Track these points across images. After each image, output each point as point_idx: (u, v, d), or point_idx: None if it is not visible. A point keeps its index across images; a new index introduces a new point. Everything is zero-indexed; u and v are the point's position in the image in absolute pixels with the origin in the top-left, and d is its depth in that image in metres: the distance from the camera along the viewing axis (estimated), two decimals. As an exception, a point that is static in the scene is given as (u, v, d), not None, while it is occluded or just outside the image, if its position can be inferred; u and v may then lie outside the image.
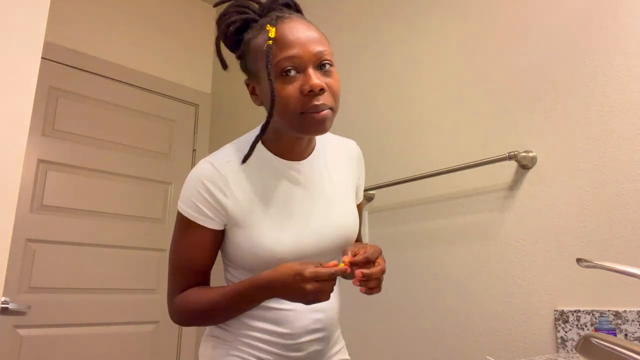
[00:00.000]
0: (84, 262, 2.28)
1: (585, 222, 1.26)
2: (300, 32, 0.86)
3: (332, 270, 0.80)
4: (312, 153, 1.00)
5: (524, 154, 1.39)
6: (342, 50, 2.11)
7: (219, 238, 0.95)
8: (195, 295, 0.93)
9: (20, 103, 1.34)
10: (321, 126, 0.86)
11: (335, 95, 0.88)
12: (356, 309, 1.81)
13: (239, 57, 0.96)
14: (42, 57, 1.43)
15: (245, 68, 0.96)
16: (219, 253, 1.02)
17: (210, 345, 1.00)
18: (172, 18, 2.88)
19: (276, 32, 0.86)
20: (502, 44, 1.53)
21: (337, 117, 0.91)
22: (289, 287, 0.82)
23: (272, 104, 0.84)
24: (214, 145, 2.87)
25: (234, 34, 0.93)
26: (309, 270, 0.80)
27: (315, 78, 0.84)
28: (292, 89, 0.85)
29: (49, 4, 1.44)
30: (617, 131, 1.24)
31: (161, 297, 2.54)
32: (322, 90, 0.85)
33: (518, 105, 1.45)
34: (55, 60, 2.34)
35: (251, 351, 0.96)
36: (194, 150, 2.84)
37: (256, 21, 0.93)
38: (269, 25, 0.86)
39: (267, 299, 0.89)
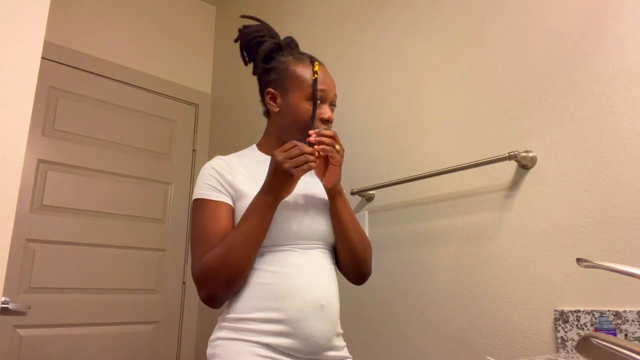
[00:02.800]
0: (84, 262, 2.28)
1: (585, 222, 1.26)
2: (328, 77, 1.17)
3: (295, 141, 1.00)
4: None
5: (524, 154, 1.39)
6: (342, 49, 2.11)
7: (230, 212, 1.09)
8: (214, 248, 1.02)
9: (20, 103, 1.34)
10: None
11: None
12: (356, 308, 1.81)
13: (267, 69, 1.19)
14: (42, 57, 1.43)
15: (271, 79, 1.18)
16: None
17: (217, 344, 1.03)
18: (173, 18, 2.88)
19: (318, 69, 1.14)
20: (502, 44, 1.53)
21: (339, 118, 0.98)
22: (270, 172, 1.00)
23: (313, 117, 1.10)
24: (214, 145, 2.87)
25: (270, 51, 1.19)
26: (278, 149, 1.01)
27: (330, 112, 1.14)
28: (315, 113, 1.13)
29: (49, 4, 1.44)
30: (617, 131, 1.24)
31: (161, 297, 2.54)
32: (331, 122, 1.15)
33: (518, 105, 1.45)
34: (55, 60, 2.34)
35: (257, 339, 1.00)
36: (194, 150, 2.84)
37: (282, 48, 1.21)
38: (317, 63, 1.14)
39: (270, 200, 1.01)
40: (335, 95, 1.17)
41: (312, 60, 1.16)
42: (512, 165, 1.44)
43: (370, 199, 1.85)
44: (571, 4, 1.37)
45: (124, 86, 2.59)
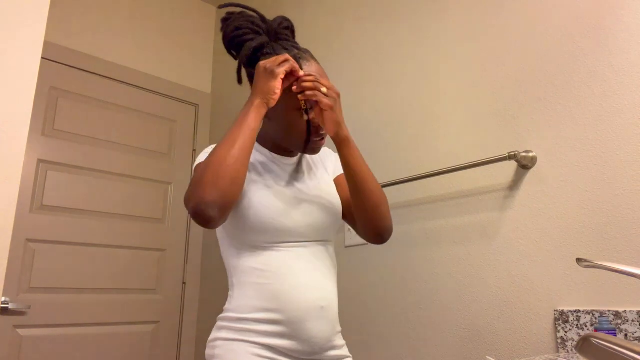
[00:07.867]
0: (84, 262, 2.28)
1: (585, 222, 1.26)
2: (316, 72, 1.06)
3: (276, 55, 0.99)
4: (298, 154, 1.20)
5: (524, 154, 1.39)
6: (343, 51, 2.11)
7: None
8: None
9: (20, 103, 1.34)
10: (318, 150, 1.11)
11: None
12: (355, 308, 1.81)
13: (251, 75, 1.10)
14: (42, 57, 1.43)
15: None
16: (221, 255, 1.09)
17: (216, 345, 1.02)
18: (173, 18, 2.88)
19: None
20: (502, 44, 1.53)
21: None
22: (255, 79, 0.99)
23: (308, 132, 1.05)
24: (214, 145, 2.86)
25: (252, 53, 1.07)
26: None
27: None
28: (304, 123, 1.04)
29: (49, 4, 1.44)
30: (617, 131, 1.24)
31: (161, 297, 2.54)
32: None
33: (518, 105, 1.46)
34: (55, 60, 2.34)
35: (256, 339, 0.99)
36: (194, 150, 2.84)
37: (268, 43, 1.08)
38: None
39: (255, 101, 0.98)
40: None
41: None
42: (512, 165, 1.44)
43: (370, 199, 1.85)
44: (571, 4, 1.37)
45: (124, 86, 2.59)
